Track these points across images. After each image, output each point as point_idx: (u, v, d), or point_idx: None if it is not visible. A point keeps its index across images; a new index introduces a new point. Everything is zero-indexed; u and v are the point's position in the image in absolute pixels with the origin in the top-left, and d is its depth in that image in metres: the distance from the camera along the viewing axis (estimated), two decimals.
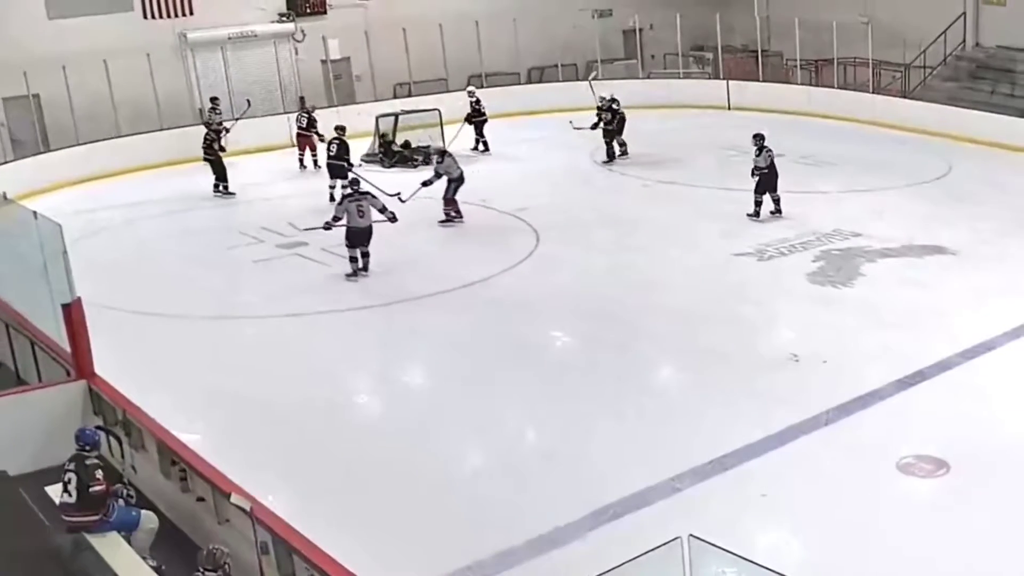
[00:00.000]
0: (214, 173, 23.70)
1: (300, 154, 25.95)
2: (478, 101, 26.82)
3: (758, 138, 19.75)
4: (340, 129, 22.70)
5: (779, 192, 19.66)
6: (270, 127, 27.62)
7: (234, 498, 8.50)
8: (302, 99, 29.72)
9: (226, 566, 7.83)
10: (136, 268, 18.82)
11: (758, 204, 19.71)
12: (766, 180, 19.54)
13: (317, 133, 25.34)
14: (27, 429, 11.07)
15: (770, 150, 19.59)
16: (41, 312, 12.54)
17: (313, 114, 25.91)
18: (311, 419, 12.61)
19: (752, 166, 19.68)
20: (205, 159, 23.85)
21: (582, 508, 10.22)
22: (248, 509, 8.37)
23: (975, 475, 10.57)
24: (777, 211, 19.70)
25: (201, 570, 7.73)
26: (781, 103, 28.99)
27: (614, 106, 24.65)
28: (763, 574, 6.04)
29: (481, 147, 26.71)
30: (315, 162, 25.47)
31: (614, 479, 10.74)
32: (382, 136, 25.21)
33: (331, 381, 13.88)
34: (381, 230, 17.28)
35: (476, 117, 26.75)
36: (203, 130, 24.56)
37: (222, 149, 23.93)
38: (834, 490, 10.49)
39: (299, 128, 25.80)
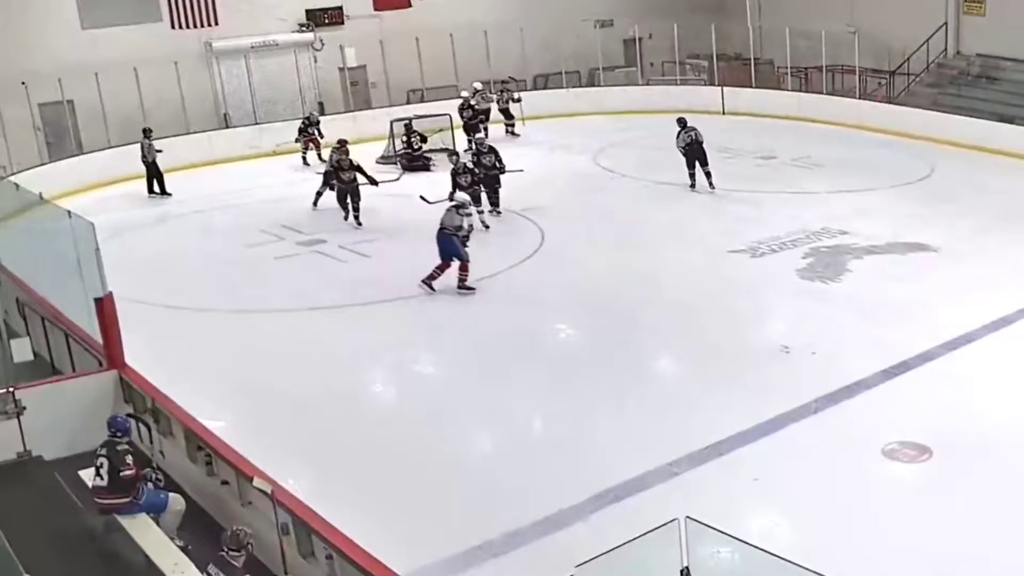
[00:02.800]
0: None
1: (304, 152, 26.58)
2: (475, 105, 27.03)
3: (679, 122, 21.59)
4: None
5: (709, 167, 21.37)
6: (291, 131, 27.57)
7: (256, 482, 8.49)
8: (321, 104, 29.99)
9: (249, 546, 7.82)
10: (164, 264, 18.82)
11: (692, 176, 21.49)
12: (689, 156, 21.30)
13: (319, 133, 26.52)
14: (62, 416, 11.09)
15: (690, 131, 21.23)
16: (75, 306, 12.56)
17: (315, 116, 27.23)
18: (330, 407, 12.60)
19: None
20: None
21: (585, 491, 10.20)
22: (269, 492, 8.36)
23: (956, 460, 10.55)
24: (709, 185, 21.40)
25: (225, 550, 7.72)
26: (773, 108, 28.91)
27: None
28: (756, 554, 6.02)
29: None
30: (319, 156, 25.99)
31: (615, 464, 10.71)
32: (413, 134, 25.41)
33: (349, 371, 13.86)
34: (400, 230, 17.26)
35: (476, 118, 26.86)
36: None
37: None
38: (823, 474, 10.48)
39: (308, 133, 26.60)
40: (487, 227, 19.43)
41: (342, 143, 20.82)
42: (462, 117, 26.67)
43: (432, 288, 16.21)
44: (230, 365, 14.11)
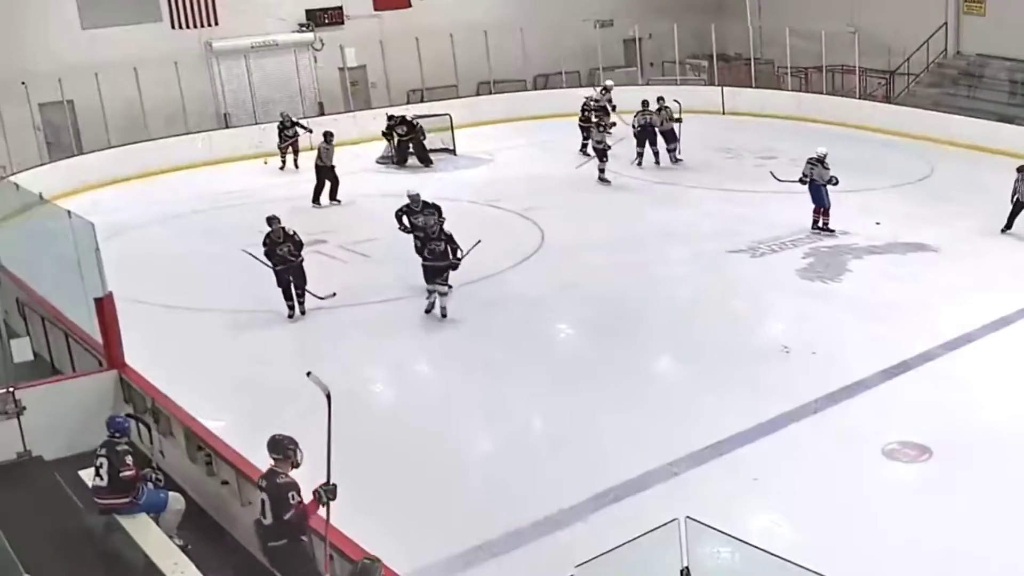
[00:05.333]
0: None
1: (283, 157, 26.19)
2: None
3: (660, 100, 23.58)
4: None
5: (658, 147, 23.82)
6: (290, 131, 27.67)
7: (312, 376, 8.22)
8: (320, 104, 30.09)
9: (291, 451, 8.19)
10: (164, 264, 18.82)
11: (640, 156, 23.91)
12: (641, 136, 23.77)
13: (301, 126, 26.12)
14: (61, 416, 11.10)
15: (647, 115, 23.41)
16: (75, 306, 12.56)
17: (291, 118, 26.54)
18: (333, 406, 12.57)
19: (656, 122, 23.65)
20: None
21: (585, 491, 10.21)
22: (327, 393, 8.15)
23: (956, 460, 10.57)
24: (672, 160, 23.89)
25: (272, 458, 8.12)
26: (773, 108, 28.90)
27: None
28: (755, 554, 6.02)
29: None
30: (295, 162, 25.97)
31: (615, 464, 10.72)
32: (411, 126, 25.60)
33: (350, 371, 13.84)
34: (398, 230, 17.25)
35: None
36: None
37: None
38: (823, 474, 10.49)
39: (286, 137, 26.08)
40: (444, 315, 15.29)
41: (272, 220, 15.89)
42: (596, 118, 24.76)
43: (827, 229, 18.26)
44: (230, 365, 14.12)
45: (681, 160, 24.18)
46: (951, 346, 13.35)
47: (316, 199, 22.53)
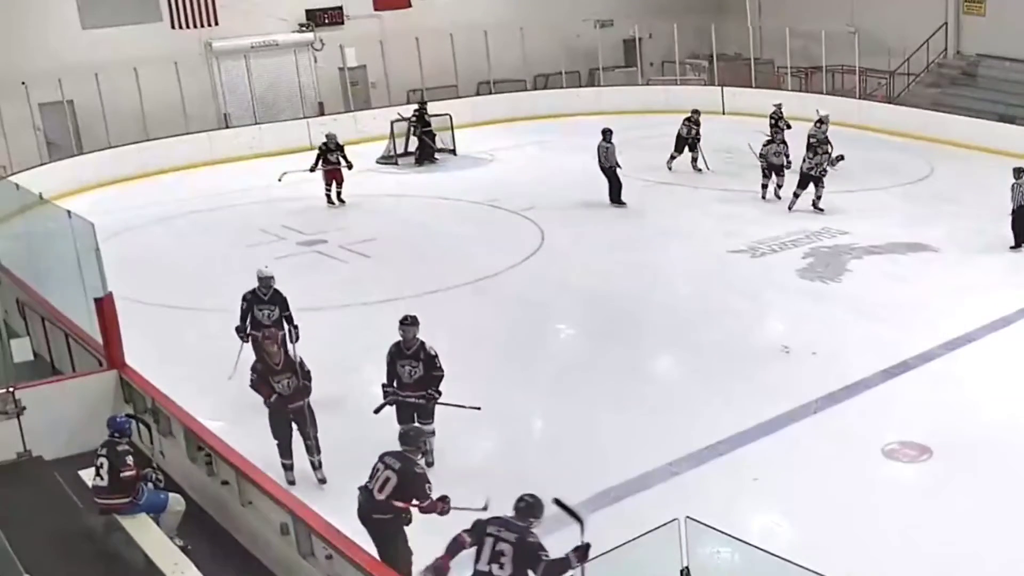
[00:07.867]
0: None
1: (327, 189, 22.10)
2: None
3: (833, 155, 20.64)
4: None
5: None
6: (291, 131, 27.66)
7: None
8: (320, 104, 30.04)
9: (423, 445, 8.77)
10: (165, 264, 18.81)
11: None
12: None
13: (345, 159, 22.02)
14: (62, 416, 11.07)
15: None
16: (75, 306, 12.54)
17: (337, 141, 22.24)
18: (330, 407, 12.55)
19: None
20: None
21: (585, 491, 10.17)
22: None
23: (956, 460, 10.57)
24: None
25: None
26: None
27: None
28: (755, 554, 6.03)
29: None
30: (339, 195, 22.11)
31: (615, 464, 10.72)
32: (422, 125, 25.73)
33: (349, 371, 13.85)
34: (400, 229, 17.27)
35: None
36: None
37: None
38: (823, 475, 10.48)
39: (329, 161, 21.92)
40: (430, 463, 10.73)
41: (268, 334, 11.19)
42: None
43: None
44: (231, 365, 14.08)
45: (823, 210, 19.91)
46: (951, 346, 13.36)
47: (613, 199, 20.99)
